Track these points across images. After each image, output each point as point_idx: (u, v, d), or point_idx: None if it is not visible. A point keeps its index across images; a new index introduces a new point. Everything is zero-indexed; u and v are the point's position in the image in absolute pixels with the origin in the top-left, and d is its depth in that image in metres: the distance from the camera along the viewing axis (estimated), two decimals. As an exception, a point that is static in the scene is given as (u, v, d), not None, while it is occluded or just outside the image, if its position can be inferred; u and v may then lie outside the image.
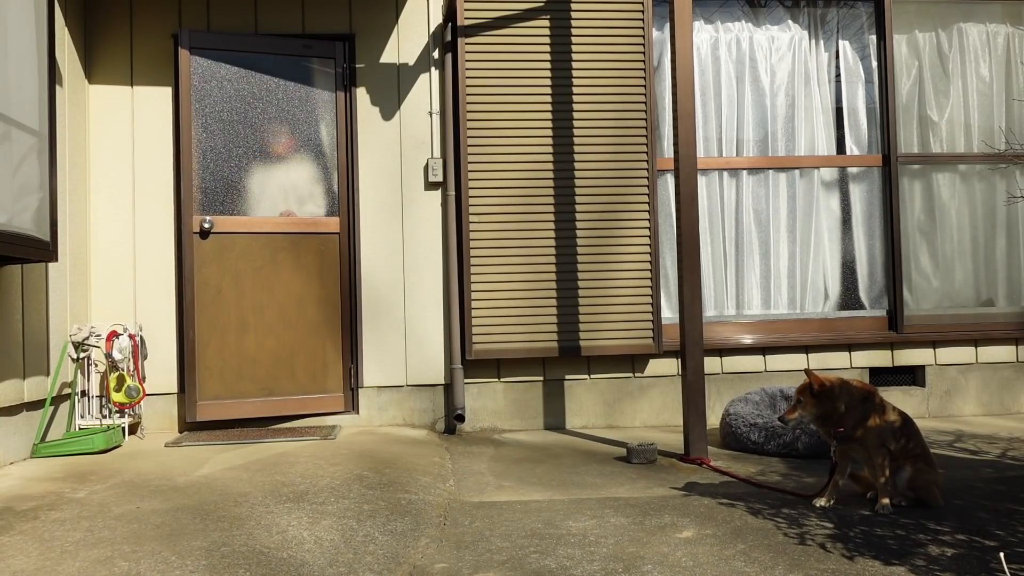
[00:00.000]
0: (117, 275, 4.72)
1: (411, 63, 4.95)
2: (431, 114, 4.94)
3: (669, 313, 5.11)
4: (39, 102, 3.86)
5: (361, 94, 4.92)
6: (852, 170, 5.40)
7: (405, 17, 4.96)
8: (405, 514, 3.09)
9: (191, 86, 4.65)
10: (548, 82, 4.94)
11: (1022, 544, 2.69)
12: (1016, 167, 5.36)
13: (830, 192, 5.41)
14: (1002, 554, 2.42)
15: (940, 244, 5.45)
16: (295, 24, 4.88)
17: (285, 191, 4.82)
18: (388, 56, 4.95)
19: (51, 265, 4.16)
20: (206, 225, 4.61)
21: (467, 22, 4.88)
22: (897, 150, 5.33)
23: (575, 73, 4.96)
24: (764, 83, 5.37)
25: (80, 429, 4.37)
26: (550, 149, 4.93)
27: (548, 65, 4.95)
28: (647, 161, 4.97)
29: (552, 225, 4.91)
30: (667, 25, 4.65)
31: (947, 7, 5.50)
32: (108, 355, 4.36)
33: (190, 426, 4.63)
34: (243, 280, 4.71)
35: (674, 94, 4.07)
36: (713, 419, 4.89)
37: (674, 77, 4.07)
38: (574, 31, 4.96)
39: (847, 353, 5.20)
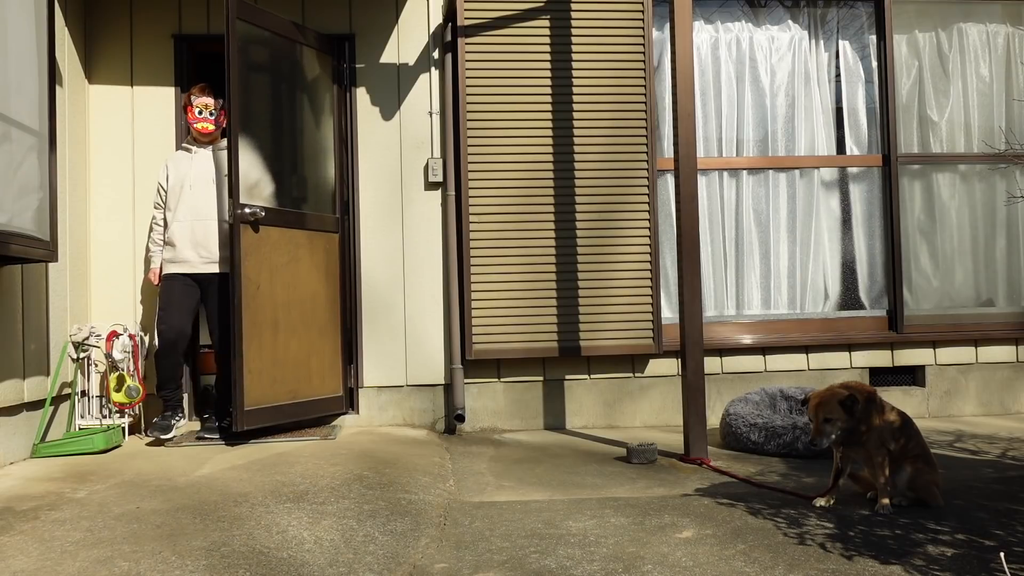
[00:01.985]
0: (117, 275, 4.72)
1: (411, 63, 4.95)
2: (431, 114, 4.94)
3: (669, 313, 5.11)
4: (39, 102, 3.86)
5: (361, 94, 4.92)
6: (852, 170, 5.40)
7: (405, 17, 4.96)
8: (405, 514, 3.09)
9: (239, 61, 4.30)
10: (548, 82, 4.94)
11: (1022, 544, 2.69)
12: (1016, 167, 5.36)
13: (830, 192, 5.41)
14: (1002, 554, 2.42)
15: (940, 244, 5.45)
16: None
17: (283, 191, 4.80)
18: (388, 56, 4.95)
19: (51, 265, 4.16)
20: (261, 213, 4.32)
21: (467, 22, 4.88)
22: (897, 150, 5.33)
23: (575, 73, 4.96)
24: (764, 83, 5.37)
25: (80, 429, 4.37)
26: (550, 149, 4.93)
27: (548, 65, 4.95)
28: (647, 161, 4.97)
29: (552, 225, 4.91)
30: (667, 25, 4.65)
31: (947, 7, 5.50)
32: (108, 355, 4.35)
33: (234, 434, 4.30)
34: (275, 275, 4.45)
35: (674, 94, 4.07)
36: (713, 419, 4.89)
37: (674, 77, 4.07)
38: (574, 31, 4.96)
39: (847, 353, 5.20)
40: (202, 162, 4.50)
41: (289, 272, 4.54)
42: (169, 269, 4.43)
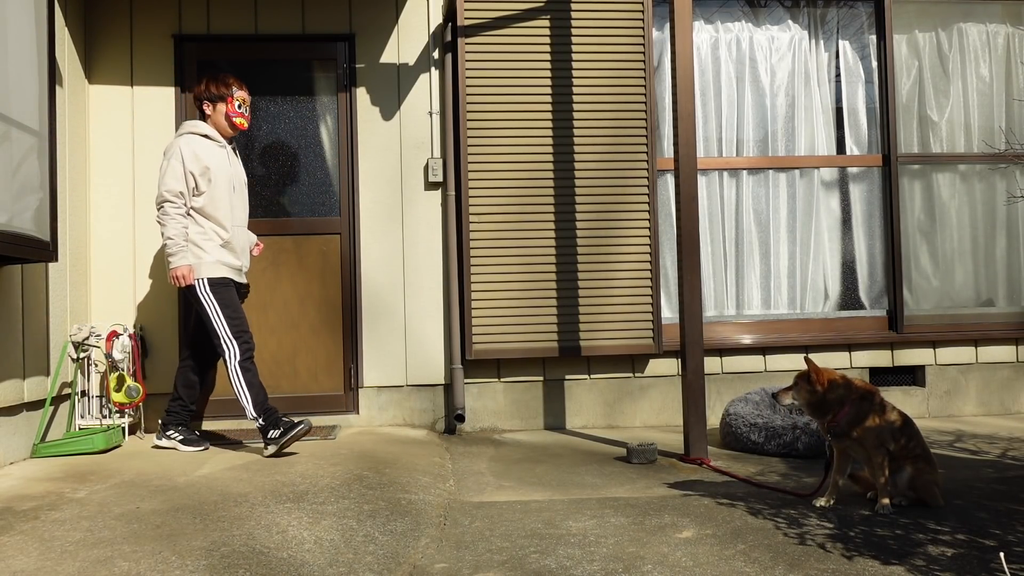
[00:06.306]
0: (117, 275, 4.71)
1: (411, 63, 4.95)
2: (431, 114, 4.94)
3: (669, 313, 5.11)
4: (39, 102, 3.85)
5: (361, 94, 4.91)
6: (852, 170, 5.40)
7: (405, 17, 4.96)
8: (405, 514, 3.09)
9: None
10: (548, 82, 4.94)
11: (1022, 544, 2.69)
12: (1016, 167, 5.36)
13: (830, 192, 5.41)
14: (1002, 554, 2.42)
15: (940, 244, 5.45)
16: (295, 24, 4.88)
17: (285, 192, 4.81)
18: (388, 56, 4.94)
19: (51, 265, 4.16)
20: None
21: (467, 22, 4.88)
22: (897, 150, 5.33)
23: (575, 73, 4.96)
24: (764, 83, 5.37)
25: (80, 429, 4.37)
26: (550, 149, 4.93)
27: (548, 65, 4.95)
28: (647, 161, 4.97)
29: (552, 225, 4.91)
30: (667, 25, 4.65)
31: (947, 7, 5.50)
32: (108, 355, 4.35)
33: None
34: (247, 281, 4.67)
35: (674, 94, 4.07)
36: (713, 419, 4.88)
37: (674, 77, 4.07)
38: (574, 31, 4.96)
39: (847, 353, 5.20)
40: (236, 163, 4.20)
41: (268, 276, 4.77)
42: (228, 274, 4.03)
